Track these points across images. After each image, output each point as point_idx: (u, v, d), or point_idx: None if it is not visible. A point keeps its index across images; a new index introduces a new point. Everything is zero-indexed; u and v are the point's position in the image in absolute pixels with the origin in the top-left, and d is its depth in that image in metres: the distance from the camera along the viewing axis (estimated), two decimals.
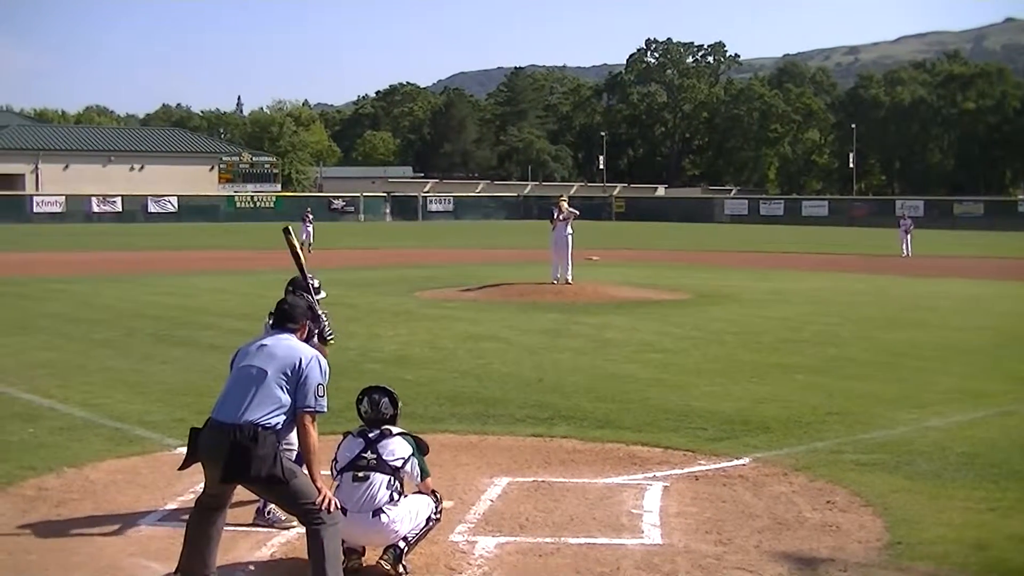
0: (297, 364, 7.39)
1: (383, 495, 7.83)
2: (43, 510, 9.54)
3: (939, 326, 23.51)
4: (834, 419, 13.46)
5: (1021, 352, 19.98)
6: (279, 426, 7.29)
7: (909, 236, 52.12)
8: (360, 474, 7.88)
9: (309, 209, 54.30)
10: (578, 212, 32.46)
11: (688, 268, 42.22)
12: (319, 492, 7.26)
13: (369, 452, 7.98)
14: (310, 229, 52.00)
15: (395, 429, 8.22)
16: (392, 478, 7.93)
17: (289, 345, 7.57)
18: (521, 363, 17.94)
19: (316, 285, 9.71)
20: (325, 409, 7.42)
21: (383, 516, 7.77)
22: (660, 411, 13.86)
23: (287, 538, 8.70)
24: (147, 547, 8.54)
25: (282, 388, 7.34)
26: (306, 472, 7.35)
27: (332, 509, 7.29)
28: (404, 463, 8.04)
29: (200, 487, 7.77)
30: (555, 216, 31.27)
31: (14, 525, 9.08)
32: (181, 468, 7.69)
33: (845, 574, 8.04)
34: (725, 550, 8.52)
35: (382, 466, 7.92)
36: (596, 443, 12.18)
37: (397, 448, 8.06)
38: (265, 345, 7.60)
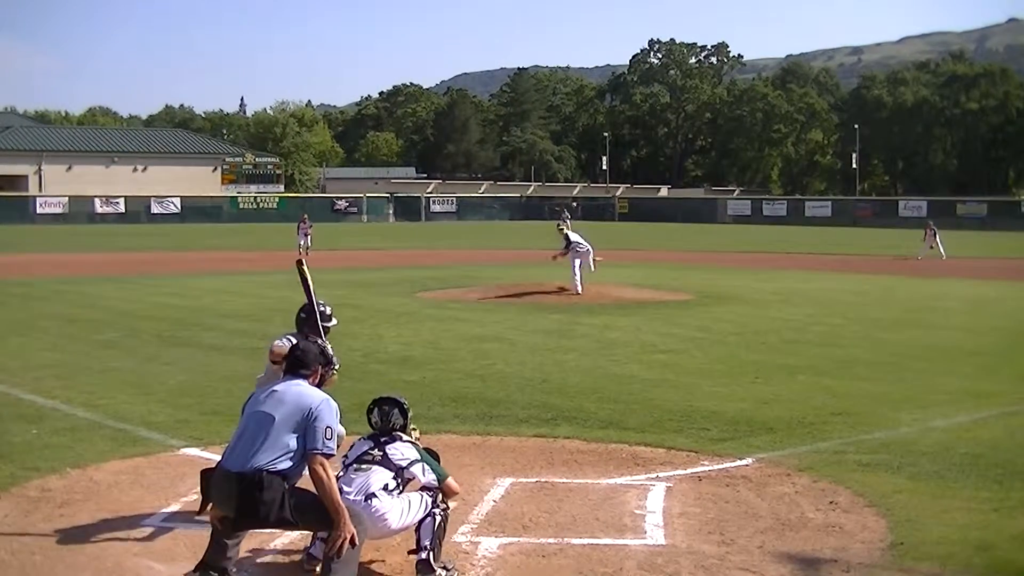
0: (308, 411, 7.44)
1: (379, 484, 7.89)
2: (47, 511, 9.55)
3: (943, 327, 23.50)
4: (837, 420, 13.46)
5: None
6: (287, 470, 7.33)
7: (938, 238, 50.71)
8: (363, 465, 8.02)
9: (306, 216, 53.75)
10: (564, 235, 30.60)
11: (691, 269, 42.19)
12: (339, 527, 7.26)
13: (376, 450, 8.12)
14: (309, 236, 51.33)
15: (405, 437, 8.32)
16: (394, 473, 8.00)
17: (299, 392, 7.61)
18: (524, 364, 17.93)
19: (328, 312, 9.71)
20: (334, 451, 7.43)
21: (375, 501, 7.80)
22: (663, 412, 13.86)
23: (291, 538, 8.71)
24: (151, 548, 8.54)
25: (291, 433, 7.38)
26: (320, 507, 7.33)
27: (350, 545, 7.31)
28: (410, 464, 8.10)
29: None
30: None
31: (18, 526, 9.09)
32: (199, 513, 7.77)
33: (848, 575, 8.04)
34: (728, 551, 8.53)
35: (386, 462, 8.03)
36: (599, 444, 12.18)
37: (404, 451, 8.16)
38: (276, 391, 7.64)
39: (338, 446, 7.64)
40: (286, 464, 7.32)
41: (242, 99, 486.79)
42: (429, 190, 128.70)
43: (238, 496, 7.26)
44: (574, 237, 29.92)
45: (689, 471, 10.99)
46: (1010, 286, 34.80)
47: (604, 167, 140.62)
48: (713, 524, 9.20)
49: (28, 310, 26.03)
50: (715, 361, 18.23)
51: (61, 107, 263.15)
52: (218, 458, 7.77)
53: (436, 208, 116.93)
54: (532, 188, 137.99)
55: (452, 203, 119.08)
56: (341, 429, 8.06)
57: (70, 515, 9.42)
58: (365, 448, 8.18)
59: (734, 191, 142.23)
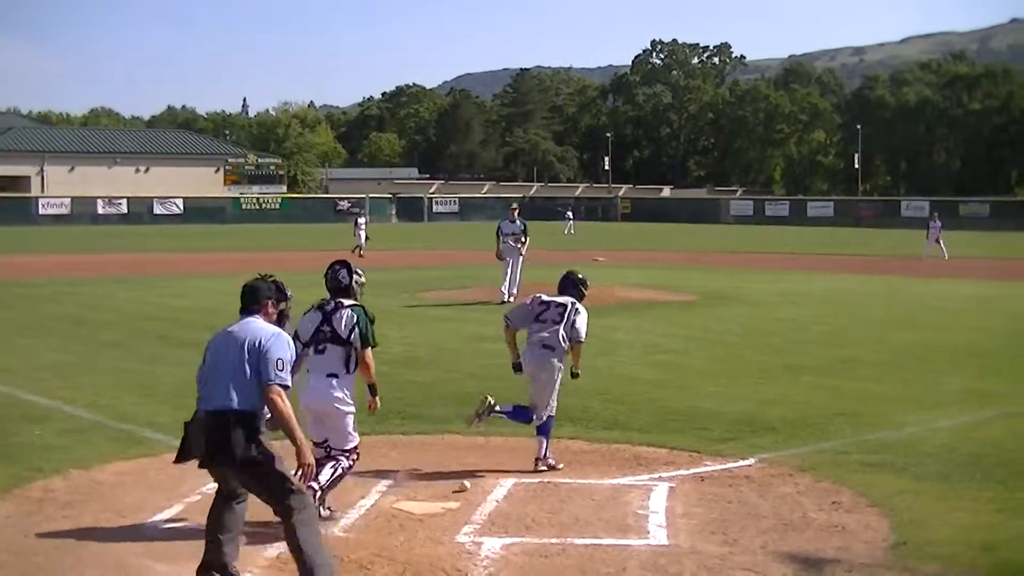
0: (259, 342, 7.49)
1: (338, 361, 9.26)
2: (50, 511, 9.57)
3: (946, 327, 23.48)
4: (840, 420, 13.47)
5: None
6: (250, 407, 7.40)
7: (941, 239, 50.35)
8: (320, 347, 9.32)
9: (360, 210, 53.45)
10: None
11: (694, 269, 42.18)
12: (303, 456, 7.45)
13: (325, 325, 9.36)
14: (362, 232, 50.81)
15: (347, 302, 9.45)
16: (344, 350, 9.27)
17: (250, 328, 7.66)
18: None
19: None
20: (288, 383, 7.46)
21: (335, 380, 9.25)
22: (666, 412, 13.88)
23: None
24: (154, 548, 8.56)
25: (247, 370, 7.43)
26: (280, 458, 7.47)
27: (311, 476, 7.61)
28: (350, 331, 9.28)
29: (208, 487, 7.79)
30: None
31: (21, 527, 9.11)
32: (175, 462, 7.80)
33: (851, 575, 8.04)
34: (731, 551, 8.53)
35: (336, 338, 9.28)
36: (602, 444, 12.21)
37: (344, 318, 9.32)
38: (231, 332, 7.70)
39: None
40: (247, 401, 7.39)
41: (244, 100, 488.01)
42: (432, 191, 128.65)
43: (206, 434, 7.37)
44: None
45: (692, 471, 11.00)
46: (1013, 286, 34.77)
47: (606, 167, 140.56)
48: (716, 524, 9.21)
49: (32, 311, 26.04)
50: (718, 362, 18.23)
51: (63, 108, 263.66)
52: None
53: (438, 208, 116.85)
54: (535, 189, 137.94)
55: (455, 203, 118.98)
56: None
57: (73, 516, 9.44)
58: (316, 325, 9.40)
59: (737, 191, 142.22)
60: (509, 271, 27.89)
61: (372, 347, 9.41)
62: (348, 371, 9.37)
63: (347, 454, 9.40)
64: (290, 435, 7.39)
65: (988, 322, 24.46)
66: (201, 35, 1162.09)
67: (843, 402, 14.57)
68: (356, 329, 9.29)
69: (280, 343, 7.55)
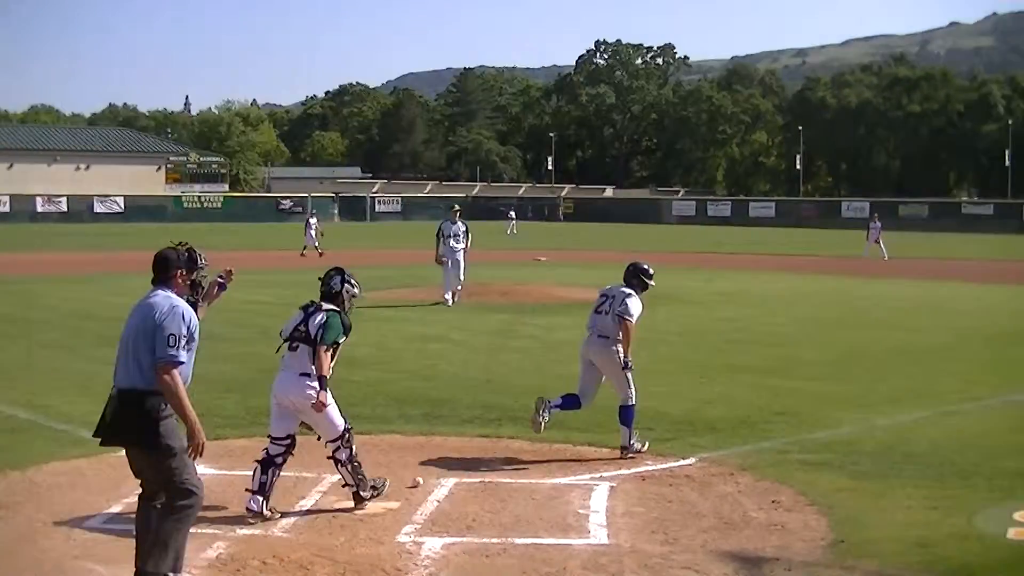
0: (153, 318, 7.34)
1: (308, 361, 9.43)
2: None
3: (886, 326, 23.73)
4: (781, 419, 13.57)
5: (967, 352, 20.24)
6: (149, 385, 7.26)
7: (881, 240, 50.70)
8: (294, 344, 9.57)
9: (314, 211, 54.38)
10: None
11: None
12: (194, 436, 7.26)
13: (302, 325, 9.60)
14: (313, 232, 50.13)
15: (326, 306, 9.69)
16: (312, 349, 9.44)
17: (150, 303, 7.48)
18: (469, 364, 17.95)
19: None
20: (179, 358, 7.26)
21: (307, 379, 9.42)
22: (607, 412, 13.87)
23: (232, 539, 8.67)
24: (92, 550, 8.47)
25: (145, 346, 7.30)
26: (183, 449, 7.31)
27: (200, 455, 7.40)
28: (319, 330, 9.49)
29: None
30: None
31: None
32: (93, 435, 7.68)
33: (790, 573, 8.10)
34: (671, 550, 8.57)
35: (307, 338, 9.50)
36: (543, 444, 12.21)
37: (319, 320, 9.55)
38: (137, 307, 7.57)
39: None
40: (146, 380, 7.26)
41: (187, 98, 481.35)
42: (375, 190, 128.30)
43: (112, 412, 7.32)
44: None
45: (633, 471, 11.05)
46: (952, 287, 35.15)
47: (550, 167, 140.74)
48: (656, 523, 9.25)
49: None
50: (660, 361, 18.27)
51: (2, 105, 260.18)
52: None
53: (381, 208, 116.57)
54: (478, 188, 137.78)
55: (398, 203, 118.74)
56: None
57: (9, 517, 9.33)
58: (295, 324, 9.65)
59: (679, 192, 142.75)
60: (451, 275, 27.28)
61: (326, 348, 9.44)
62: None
63: (339, 445, 9.59)
64: (180, 413, 7.22)
65: (926, 322, 24.73)
66: (143, 32, 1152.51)
67: (783, 401, 14.68)
68: (321, 329, 9.48)
69: (173, 318, 7.33)
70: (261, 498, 9.29)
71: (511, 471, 11.03)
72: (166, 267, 7.66)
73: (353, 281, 9.92)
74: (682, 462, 11.40)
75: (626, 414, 11.73)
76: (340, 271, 9.97)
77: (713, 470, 11.05)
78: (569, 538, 8.88)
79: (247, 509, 9.27)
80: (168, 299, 7.49)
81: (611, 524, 9.24)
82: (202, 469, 10.83)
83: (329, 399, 9.47)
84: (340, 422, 9.60)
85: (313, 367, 9.40)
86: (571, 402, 12.00)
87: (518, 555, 8.43)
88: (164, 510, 7.36)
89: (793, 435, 12.69)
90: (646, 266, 12.31)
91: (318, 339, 9.43)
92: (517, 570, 8.12)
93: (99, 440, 7.53)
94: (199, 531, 8.66)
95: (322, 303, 9.73)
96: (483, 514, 9.48)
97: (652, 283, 12.39)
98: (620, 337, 11.82)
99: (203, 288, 8.99)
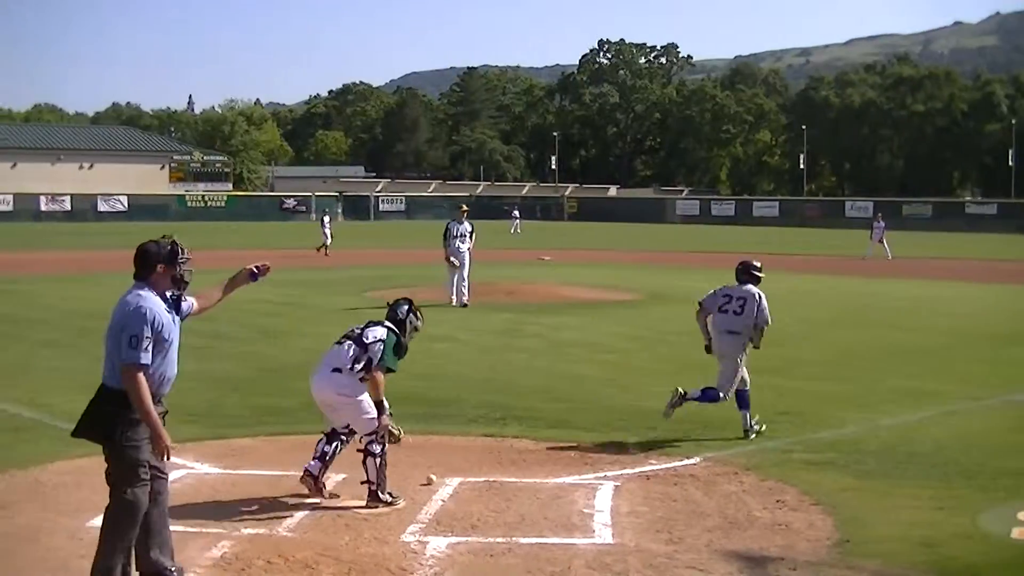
0: (119, 316, 7.28)
1: (347, 358, 9.65)
2: None
3: (889, 326, 23.71)
4: (784, 419, 13.56)
5: (968, 352, 20.21)
6: (117, 384, 7.21)
7: (884, 239, 50.62)
8: (341, 339, 9.88)
9: (327, 210, 54.70)
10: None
11: (639, 268, 42.29)
12: (157, 440, 7.13)
13: (358, 329, 9.93)
14: (327, 230, 50.86)
15: (387, 323, 9.97)
16: (361, 350, 9.66)
17: (122, 301, 7.39)
18: (474, 363, 17.95)
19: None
20: (140, 360, 7.10)
21: (337, 375, 9.65)
22: (612, 411, 13.92)
23: (237, 538, 8.66)
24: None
25: (116, 344, 7.24)
26: (140, 462, 7.22)
27: (167, 458, 7.31)
28: (374, 342, 9.69)
29: None
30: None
31: None
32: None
33: (795, 572, 8.09)
34: (676, 549, 8.56)
35: (358, 339, 9.76)
36: (548, 443, 12.22)
37: (377, 332, 9.81)
38: (116, 304, 7.46)
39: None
40: (116, 377, 7.20)
41: (190, 97, 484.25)
42: (378, 189, 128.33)
43: (87, 408, 7.34)
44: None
45: (637, 470, 11.04)
46: (954, 286, 35.12)
47: (553, 167, 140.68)
48: (661, 523, 9.24)
49: None
50: (663, 361, 18.31)
51: (6, 104, 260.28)
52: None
53: (385, 207, 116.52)
54: (481, 188, 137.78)
55: (401, 202, 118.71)
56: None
57: (13, 517, 9.33)
58: (353, 327, 9.97)
59: (683, 191, 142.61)
60: (457, 275, 27.10)
61: (385, 372, 9.71)
62: (352, 369, 9.68)
63: (374, 439, 9.71)
64: (143, 417, 7.10)
65: (929, 322, 24.72)
66: (146, 31, 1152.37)
67: (786, 401, 14.66)
68: (380, 343, 9.72)
69: (135, 319, 7.18)
70: (320, 464, 9.78)
71: (516, 470, 11.02)
72: (145, 261, 7.55)
73: (419, 315, 10.22)
74: (686, 461, 11.40)
75: (742, 400, 12.74)
76: (409, 302, 10.28)
77: (717, 469, 11.05)
78: (574, 537, 8.87)
79: (305, 472, 9.73)
80: (137, 297, 7.35)
81: (616, 523, 9.23)
82: (205, 468, 10.90)
83: (364, 395, 9.70)
84: (374, 414, 9.70)
85: (349, 364, 9.64)
86: (710, 396, 12.77)
87: (523, 554, 8.42)
88: (107, 514, 7.30)
89: (797, 435, 12.70)
90: (756, 263, 13.35)
91: (374, 351, 9.64)
92: (522, 569, 8.12)
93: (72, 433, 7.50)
94: (204, 530, 8.68)
95: (387, 322, 10.02)
96: (488, 513, 9.47)
97: (762, 275, 13.30)
98: (753, 336, 12.87)
99: (187, 283, 8.74)
